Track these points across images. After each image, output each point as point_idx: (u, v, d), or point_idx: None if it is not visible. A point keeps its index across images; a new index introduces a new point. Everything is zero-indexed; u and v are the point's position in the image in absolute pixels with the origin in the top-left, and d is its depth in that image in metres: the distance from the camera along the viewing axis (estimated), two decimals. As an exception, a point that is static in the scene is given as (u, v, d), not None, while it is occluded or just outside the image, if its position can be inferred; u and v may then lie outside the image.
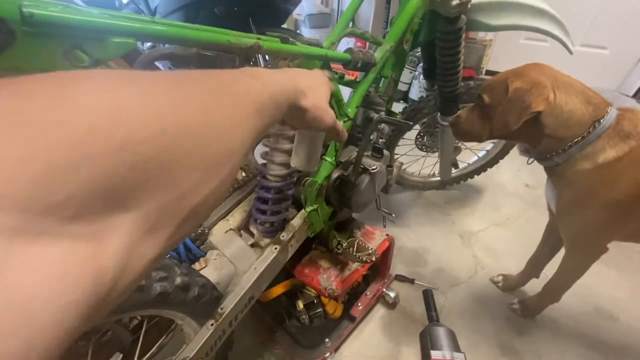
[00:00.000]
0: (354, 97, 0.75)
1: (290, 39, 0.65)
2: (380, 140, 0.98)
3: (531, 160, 0.92)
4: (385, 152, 0.91)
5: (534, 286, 1.19)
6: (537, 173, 1.82)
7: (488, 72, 2.87)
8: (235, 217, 0.86)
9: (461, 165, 1.73)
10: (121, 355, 0.76)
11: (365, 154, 0.86)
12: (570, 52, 1.03)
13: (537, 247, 1.16)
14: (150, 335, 0.77)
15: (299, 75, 0.37)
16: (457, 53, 1.02)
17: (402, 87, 2.72)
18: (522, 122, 0.74)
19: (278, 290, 1.06)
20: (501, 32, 1.02)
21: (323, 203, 0.75)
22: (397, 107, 1.63)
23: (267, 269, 0.73)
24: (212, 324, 0.66)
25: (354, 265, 0.87)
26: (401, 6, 0.89)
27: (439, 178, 1.70)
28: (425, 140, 1.59)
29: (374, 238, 0.95)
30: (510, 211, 1.65)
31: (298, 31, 3.80)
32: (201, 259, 0.81)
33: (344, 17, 0.86)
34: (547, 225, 1.10)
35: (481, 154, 1.70)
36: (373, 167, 0.79)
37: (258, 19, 2.02)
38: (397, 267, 1.36)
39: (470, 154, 1.70)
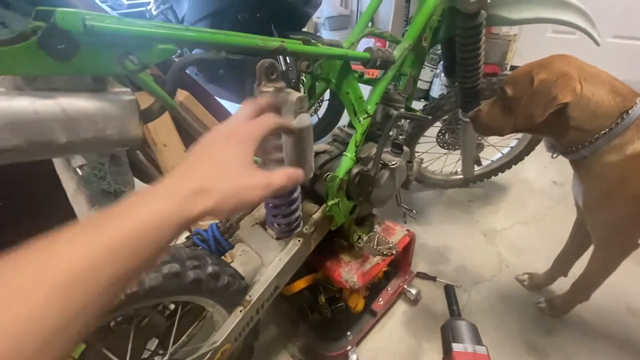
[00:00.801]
0: (373, 94, 0.78)
1: (312, 40, 0.68)
2: (400, 136, 1.00)
3: (556, 154, 0.90)
4: (405, 148, 0.93)
5: (562, 285, 1.16)
6: (564, 169, 1.75)
7: (512, 68, 2.80)
8: (261, 212, 0.90)
9: (484, 163, 1.70)
10: (157, 341, 0.82)
11: (385, 149, 0.88)
12: (597, 43, 1.00)
13: (565, 244, 1.13)
14: (183, 322, 0.82)
15: (193, 170, 0.30)
16: (477, 49, 1.02)
17: (423, 85, 2.70)
18: (547, 114, 0.72)
19: (301, 284, 1.09)
20: (526, 26, 1.01)
21: (344, 197, 0.78)
22: (418, 105, 1.63)
23: (290, 260, 0.76)
24: (240, 311, 0.70)
25: (375, 260, 0.89)
26: (419, 4, 0.90)
27: (461, 176, 1.69)
28: (446, 137, 1.58)
29: (395, 233, 0.96)
30: (536, 209, 1.61)
31: (318, 33, 3.85)
32: (227, 254, 0.85)
33: (362, 17, 0.89)
34: (575, 221, 1.07)
35: (505, 150, 1.67)
36: (393, 163, 0.81)
37: (280, 24, 2.08)
38: (418, 264, 1.36)
39: (494, 151, 1.67)
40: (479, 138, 1.51)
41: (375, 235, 0.85)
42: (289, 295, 1.10)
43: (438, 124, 1.52)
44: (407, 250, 1.10)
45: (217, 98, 1.75)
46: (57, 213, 1.01)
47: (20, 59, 0.33)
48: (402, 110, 0.94)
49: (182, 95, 1.25)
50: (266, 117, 0.37)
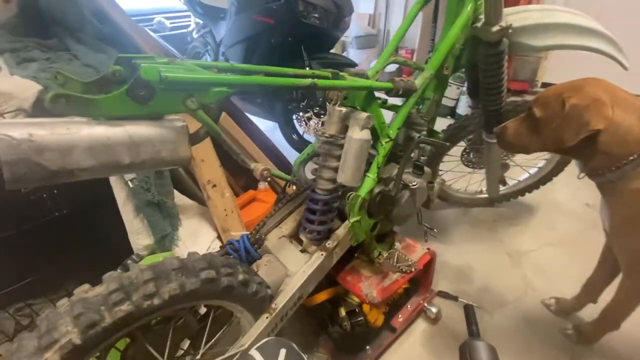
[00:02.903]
0: (396, 120, 0.83)
1: (340, 73, 0.76)
2: (423, 157, 1.04)
3: (582, 175, 0.91)
4: (427, 169, 0.97)
5: (591, 312, 1.13)
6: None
7: (544, 85, 2.74)
8: (288, 226, 0.96)
9: (510, 183, 1.69)
10: (189, 342, 0.90)
11: (407, 170, 0.92)
12: (625, 67, 1.00)
13: (594, 269, 1.10)
14: (213, 326, 0.90)
15: None
16: (500, 74, 1.05)
17: (449, 102, 2.71)
18: (579, 139, 0.73)
19: (322, 296, 1.13)
20: None
21: (365, 215, 0.83)
22: (445, 122, 1.65)
23: (314, 272, 0.82)
24: (267, 317, 0.76)
25: (395, 276, 0.92)
26: (442, 34, 0.95)
27: (486, 195, 1.68)
28: (471, 156, 1.59)
29: (415, 251, 0.99)
30: (566, 231, 1.57)
31: (345, 52, 3.97)
32: (254, 265, 0.92)
33: (388, 47, 0.95)
34: (604, 246, 1.05)
35: (532, 170, 1.64)
36: (414, 184, 0.85)
37: (309, 46, 2.20)
38: (440, 283, 1.36)
39: (521, 170, 1.66)
40: (504, 158, 1.51)
41: (395, 252, 0.89)
42: (310, 306, 1.15)
43: (462, 142, 1.54)
44: (427, 268, 1.12)
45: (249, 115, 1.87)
46: (110, 220, 1.13)
47: (112, 104, 0.42)
48: (425, 133, 0.99)
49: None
50: None
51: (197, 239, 1.39)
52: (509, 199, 1.72)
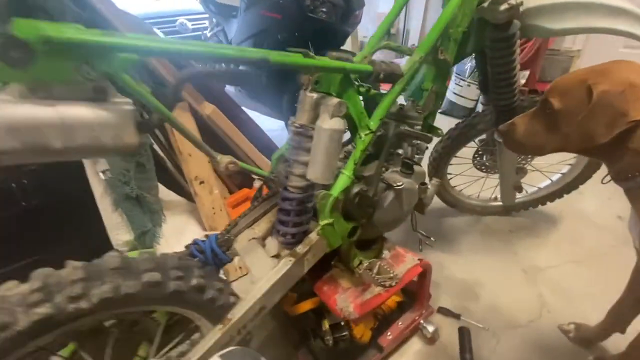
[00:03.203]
0: (378, 109, 0.72)
1: (310, 53, 0.66)
2: (417, 156, 0.92)
3: (607, 179, 0.76)
4: (418, 168, 0.85)
5: (617, 343, 0.96)
6: (634, 203, 1.50)
7: (575, 86, 2.51)
8: (261, 227, 0.87)
9: (529, 190, 1.52)
10: (151, 346, 0.82)
11: (394, 169, 0.81)
12: (665, 55, 0.84)
13: (622, 293, 0.94)
14: (173, 332, 0.82)
15: None
16: (510, 62, 0.92)
17: (467, 104, 2.54)
18: (615, 134, 0.59)
19: (306, 306, 1.03)
20: (593, 40, 0.89)
21: (340, 218, 0.72)
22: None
23: (280, 281, 0.72)
24: (219, 329, 0.67)
25: (377, 289, 0.81)
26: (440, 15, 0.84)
27: (501, 203, 1.52)
28: (484, 159, 1.44)
29: (404, 262, 0.87)
30: (592, 247, 1.38)
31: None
32: (230, 267, 0.84)
33: (378, 30, 0.85)
34: (635, 266, 0.89)
35: (555, 177, 1.47)
36: (399, 184, 0.74)
37: (318, 43, 2.12)
38: (441, 298, 1.23)
39: (541, 176, 1.48)
40: (522, 162, 1.35)
41: (378, 262, 0.77)
42: (293, 315, 1.06)
43: (473, 144, 1.40)
44: (422, 281, 0.99)
45: (256, 113, 1.81)
46: (87, 214, 1.09)
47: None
48: (418, 128, 0.87)
49: (209, 109, 1.30)
50: None
51: (182, 236, 1.33)
52: (528, 208, 1.55)
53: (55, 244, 1.05)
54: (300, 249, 0.74)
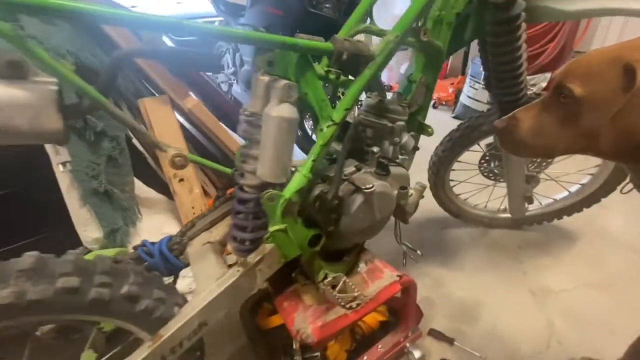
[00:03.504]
0: (344, 98, 0.61)
1: (261, 28, 0.57)
2: (402, 156, 0.80)
3: (627, 188, 0.62)
4: (398, 170, 0.74)
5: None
6: (668, 222, 1.31)
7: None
8: (219, 230, 0.78)
9: (543, 201, 1.35)
10: (96, 355, 0.75)
11: (368, 170, 0.70)
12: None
13: (647, 328, 0.78)
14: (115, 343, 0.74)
15: None
16: (514, 50, 0.79)
17: (479, 107, 2.37)
18: None
19: (278, 319, 0.94)
20: (630, 24, 0.75)
21: (295, 224, 0.62)
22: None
23: (224, 293, 0.62)
24: (148, 346, 0.58)
25: (342, 310, 0.69)
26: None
27: (510, 215, 1.36)
28: (491, 165, 1.29)
29: (380, 278, 0.75)
30: (614, 270, 1.20)
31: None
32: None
33: (356, 11, 0.74)
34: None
35: (574, 188, 1.30)
36: (368, 187, 0.63)
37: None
38: (435, 319, 1.09)
39: (557, 186, 1.32)
40: (534, 170, 1.20)
41: (343, 278, 0.66)
42: (266, 330, 0.96)
43: (480, 149, 1.26)
44: (406, 300, 0.87)
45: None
46: (54, 206, 1.04)
47: None
48: (401, 124, 0.76)
49: (191, 102, 1.24)
50: None
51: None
52: (541, 222, 1.39)
53: (18, 238, 1.00)
54: (252, 258, 0.64)
